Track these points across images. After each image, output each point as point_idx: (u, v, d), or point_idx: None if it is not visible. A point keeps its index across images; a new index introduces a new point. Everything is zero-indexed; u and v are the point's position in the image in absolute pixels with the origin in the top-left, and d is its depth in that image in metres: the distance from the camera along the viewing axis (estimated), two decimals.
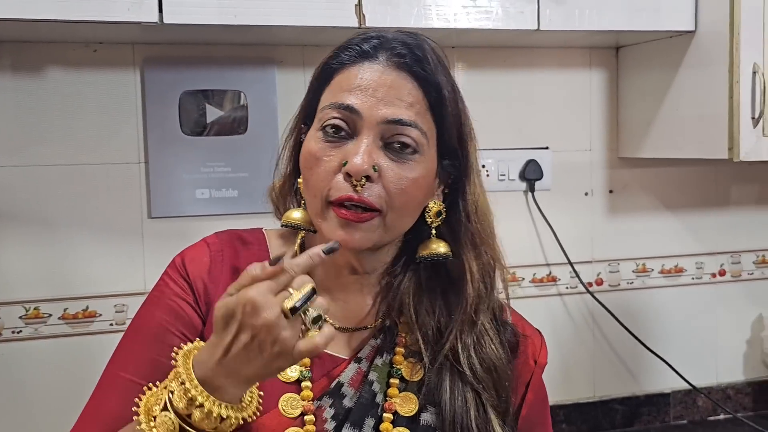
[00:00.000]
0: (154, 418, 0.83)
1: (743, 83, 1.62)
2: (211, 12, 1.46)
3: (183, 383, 0.81)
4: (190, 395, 0.80)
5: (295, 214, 1.02)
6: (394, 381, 1.00)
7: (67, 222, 1.72)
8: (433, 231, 1.02)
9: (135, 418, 0.85)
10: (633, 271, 2.06)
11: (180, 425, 0.81)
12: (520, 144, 1.96)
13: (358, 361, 1.02)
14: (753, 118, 1.62)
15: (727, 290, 2.13)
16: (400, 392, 1.00)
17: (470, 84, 1.92)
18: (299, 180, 1.02)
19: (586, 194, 2.02)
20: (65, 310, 1.66)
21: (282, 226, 1.06)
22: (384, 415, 0.98)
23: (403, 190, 0.94)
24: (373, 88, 0.94)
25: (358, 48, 0.97)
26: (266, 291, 0.78)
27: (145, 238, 1.74)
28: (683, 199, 2.09)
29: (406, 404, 1.00)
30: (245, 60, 1.73)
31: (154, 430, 0.82)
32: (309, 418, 0.95)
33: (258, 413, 0.87)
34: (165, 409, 0.82)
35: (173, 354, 0.86)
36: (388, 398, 0.99)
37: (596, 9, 1.65)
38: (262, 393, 0.91)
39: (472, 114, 1.91)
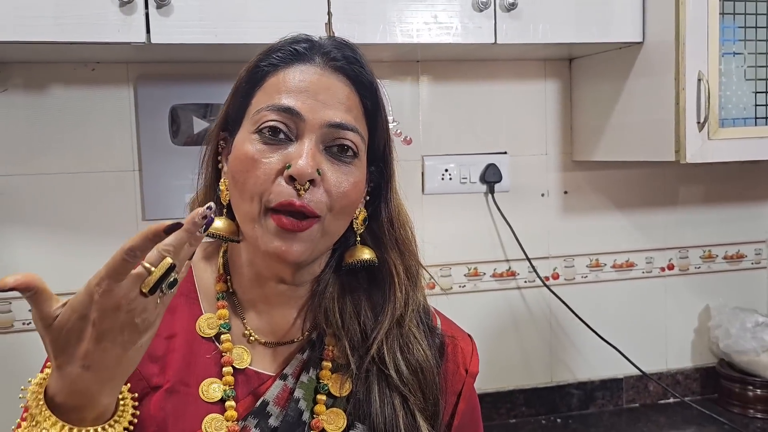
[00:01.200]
0: None
1: (689, 90, 1.65)
2: (194, 32, 1.49)
3: (32, 415, 0.77)
4: (36, 420, 0.76)
5: (217, 224, 0.95)
6: (321, 397, 0.96)
7: (70, 224, 1.79)
8: (358, 237, 1.01)
9: None
10: (587, 266, 2.14)
11: None
12: (481, 149, 2.03)
13: (284, 377, 0.97)
14: (698, 122, 1.65)
15: (675, 283, 2.20)
16: (327, 408, 0.96)
17: (433, 95, 2.01)
18: (221, 187, 0.98)
19: (543, 195, 2.09)
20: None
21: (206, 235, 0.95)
22: None
23: (344, 194, 0.92)
24: (314, 91, 0.91)
25: (290, 50, 0.94)
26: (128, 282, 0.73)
27: None
28: (633, 199, 2.15)
29: (334, 421, 0.95)
30: (227, 75, 1.59)
31: None
32: None
33: (133, 423, 0.83)
34: None
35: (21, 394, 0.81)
36: (315, 416, 0.95)
37: (549, 23, 1.68)
38: (135, 396, 0.85)
39: (437, 123, 2.01)
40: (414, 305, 1.01)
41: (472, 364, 1.07)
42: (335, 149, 0.92)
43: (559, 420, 2.09)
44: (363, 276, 1.02)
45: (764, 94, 1.77)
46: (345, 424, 0.95)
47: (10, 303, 1.78)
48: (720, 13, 1.68)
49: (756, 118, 1.76)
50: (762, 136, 1.75)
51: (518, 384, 2.09)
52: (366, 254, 0.99)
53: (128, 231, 1.78)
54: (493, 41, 1.67)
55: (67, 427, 0.75)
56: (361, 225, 1.00)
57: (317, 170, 0.89)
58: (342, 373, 0.97)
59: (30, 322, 1.75)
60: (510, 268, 2.09)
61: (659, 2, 1.72)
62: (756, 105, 1.76)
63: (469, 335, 1.10)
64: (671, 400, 2.19)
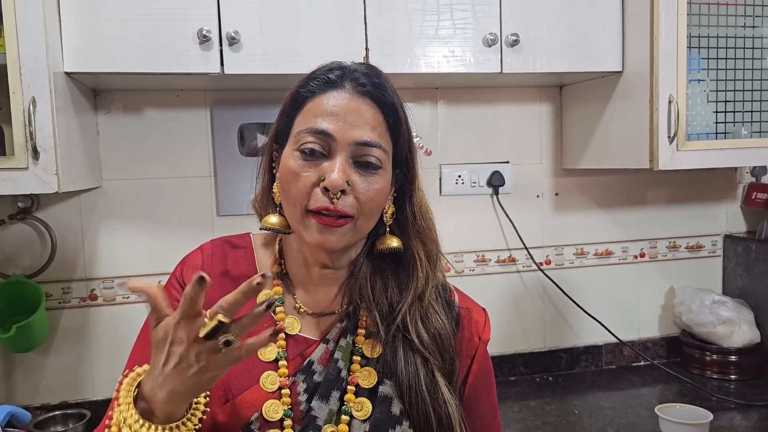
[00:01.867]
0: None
1: (661, 110, 1.62)
2: (257, 65, 1.48)
3: (119, 404, 0.78)
4: (121, 416, 0.77)
5: (272, 219, 0.95)
6: (357, 358, 0.94)
7: (159, 218, 1.78)
8: (387, 228, 0.98)
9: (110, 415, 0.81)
10: (573, 254, 2.10)
11: None
12: (487, 159, 1.99)
13: (326, 342, 0.95)
14: (669, 136, 1.62)
15: (645, 268, 2.16)
16: (361, 368, 0.94)
17: (449, 115, 1.96)
18: (274, 190, 0.96)
19: (538, 196, 2.05)
20: (159, 282, 1.64)
21: (260, 229, 0.99)
22: (348, 387, 0.92)
23: (370, 199, 0.90)
24: (344, 114, 0.89)
25: (324, 78, 0.92)
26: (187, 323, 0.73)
27: (215, 230, 1.79)
28: (612, 200, 2.11)
29: (367, 378, 0.93)
30: (282, 100, 1.69)
31: None
32: (285, 392, 0.90)
33: (201, 423, 0.81)
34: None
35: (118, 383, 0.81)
36: (351, 373, 0.93)
37: (545, 56, 1.65)
38: (207, 401, 0.84)
39: (452, 138, 1.97)
40: (433, 283, 0.98)
41: (485, 332, 1.03)
42: (363, 163, 0.90)
43: (550, 378, 2.05)
44: (391, 260, 0.99)
45: (723, 114, 1.73)
46: (376, 380, 0.93)
47: (113, 281, 1.76)
48: (687, 47, 1.65)
49: (717, 133, 1.73)
50: (722, 148, 1.71)
51: (517, 349, 2.06)
52: (394, 242, 0.97)
53: (206, 224, 1.80)
54: (499, 71, 1.64)
55: (141, 421, 0.76)
56: (390, 218, 0.98)
57: (347, 182, 0.88)
58: (373, 339, 0.95)
59: (128, 296, 1.76)
60: (511, 255, 2.05)
61: (636, 38, 1.67)
62: (717, 122, 1.73)
63: (483, 308, 1.07)
64: (642, 363, 2.14)
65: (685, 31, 1.62)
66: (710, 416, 1.57)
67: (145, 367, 0.80)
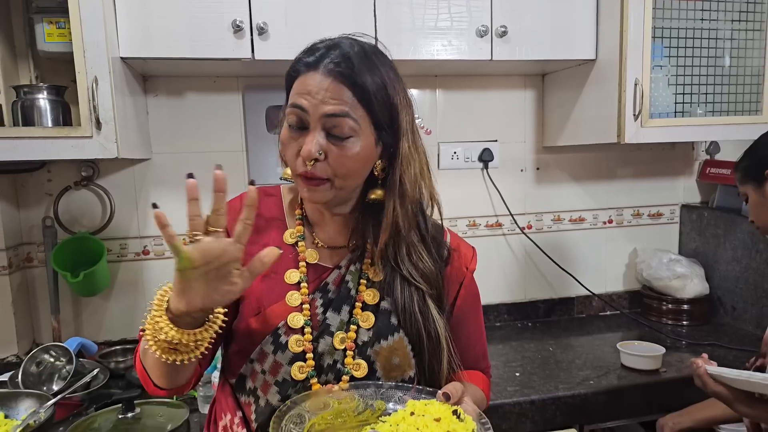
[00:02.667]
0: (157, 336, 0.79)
1: (628, 93, 1.61)
2: (283, 51, 1.47)
3: (158, 322, 0.78)
4: (161, 326, 0.78)
5: (289, 171, 0.94)
6: (363, 281, 0.96)
7: (200, 186, 1.78)
8: (379, 181, 0.95)
9: (143, 336, 0.81)
10: (551, 220, 2.07)
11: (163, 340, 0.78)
12: (479, 138, 1.97)
13: (339, 268, 0.97)
14: (634, 114, 1.61)
15: (613, 233, 2.14)
16: (366, 288, 0.96)
17: (446, 100, 1.93)
18: None
19: (522, 170, 2.03)
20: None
21: (280, 179, 0.99)
22: (356, 303, 0.95)
23: (343, 164, 0.88)
24: (315, 92, 0.86)
25: (304, 61, 0.89)
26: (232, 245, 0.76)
27: None
28: (585, 174, 2.09)
29: (371, 296, 0.95)
30: None
31: (159, 343, 0.79)
32: (306, 306, 0.93)
33: (216, 332, 0.82)
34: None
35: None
36: (359, 292, 0.96)
37: (529, 46, 1.63)
38: (226, 311, 0.84)
39: (449, 119, 1.92)
40: (411, 224, 0.95)
41: (472, 263, 1.04)
42: (335, 132, 0.87)
43: (529, 324, 2.05)
44: (377, 208, 0.96)
45: (682, 95, 1.71)
46: (378, 297, 0.96)
47: (162, 239, 1.73)
48: (652, 38, 1.62)
49: (675, 112, 1.71)
50: (680, 125, 1.70)
51: (502, 300, 2.06)
52: (374, 193, 0.94)
53: (238, 191, 1.66)
54: (490, 58, 1.62)
55: (171, 325, 0.77)
56: (381, 171, 0.94)
57: (319, 152, 0.86)
58: (376, 267, 0.97)
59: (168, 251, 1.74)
60: (498, 220, 2.03)
61: (608, 30, 1.66)
62: (676, 103, 1.71)
63: (472, 246, 1.06)
64: (608, 312, 2.14)
65: (651, 24, 1.60)
66: (663, 350, 1.59)
67: (170, 284, 0.81)
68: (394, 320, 0.95)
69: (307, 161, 0.86)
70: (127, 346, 1.70)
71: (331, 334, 0.92)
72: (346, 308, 0.94)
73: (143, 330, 0.81)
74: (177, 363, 0.80)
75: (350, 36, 0.93)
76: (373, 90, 0.88)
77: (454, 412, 0.80)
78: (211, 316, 0.81)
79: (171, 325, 0.77)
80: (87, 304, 1.73)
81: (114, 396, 1.36)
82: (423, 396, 0.86)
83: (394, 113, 0.92)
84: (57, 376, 1.50)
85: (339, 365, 0.91)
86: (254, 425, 0.92)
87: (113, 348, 1.69)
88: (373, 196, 0.95)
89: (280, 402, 0.90)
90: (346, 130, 0.87)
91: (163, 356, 0.79)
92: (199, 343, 0.80)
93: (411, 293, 0.95)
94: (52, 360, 1.51)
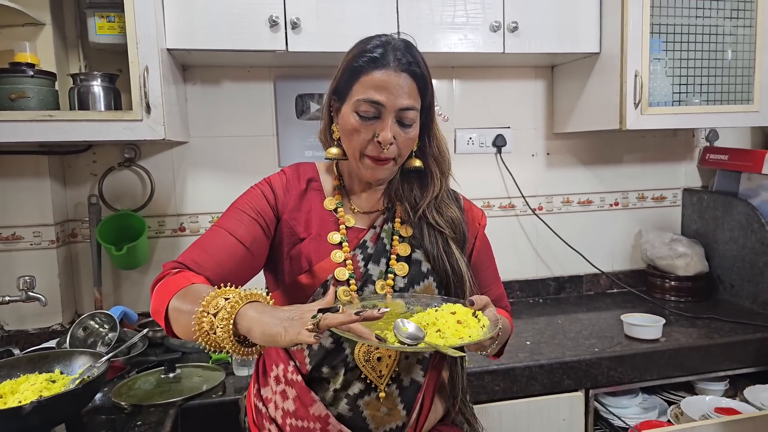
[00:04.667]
0: (205, 323, 0.85)
1: (629, 83, 1.74)
2: (313, 44, 1.62)
3: (227, 317, 0.84)
4: (222, 338, 0.84)
5: (333, 151, 1.11)
6: (396, 237, 1.13)
7: (234, 168, 1.92)
8: (413, 153, 1.13)
9: (200, 304, 0.87)
10: (561, 202, 2.20)
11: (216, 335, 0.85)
12: (493, 124, 2.11)
13: (374, 228, 1.13)
14: (635, 103, 1.75)
15: (619, 215, 2.26)
16: (399, 243, 1.12)
17: (463, 89, 2.07)
18: (333, 128, 1.11)
19: (533, 155, 2.17)
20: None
21: (326, 158, 1.14)
22: (391, 256, 1.11)
23: (407, 146, 1.08)
24: (391, 88, 1.02)
25: (371, 56, 1.03)
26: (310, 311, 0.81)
27: None
28: (593, 159, 2.21)
29: (404, 249, 1.12)
30: (329, 76, 1.67)
31: (198, 325, 0.85)
32: (349, 262, 1.08)
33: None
34: (213, 316, 0.85)
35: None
36: (393, 246, 1.11)
37: (539, 40, 1.78)
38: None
39: (465, 107, 2.10)
40: (445, 188, 1.16)
41: (483, 220, 1.24)
42: (403, 121, 1.05)
43: (540, 300, 2.19)
44: (415, 174, 1.16)
45: (678, 86, 1.85)
46: (410, 250, 1.13)
47: (197, 217, 1.91)
48: (650, 32, 1.77)
49: (672, 101, 1.85)
50: (677, 113, 1.84)
51: (514, 277, 2.19)
52: (417, 162, 1.13)
53: (269, 173, 1.75)
54: (502, 51, 1.78)
55: (232, 338, 0.84)
56: (415, 147, 1.13)
57: (393, 137, 1.04)
58: (406, 225, 1.14)
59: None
60: (510, 202, 2.16)
61: (611, 25, 1.80)
62: (673, 93, 1.85)
63: (480, 208, 1.25)
64: (615, 290, 2.26)
65: (649, 20, 1.76)
66: (662, 320, 1.74)
67: (251, 291, 0.89)
68: (424, 267, 1.11)
69: (384, 146, 1.03)
70: None
71: (373, 283, 1.09)
72: (383, 260, 1.11)
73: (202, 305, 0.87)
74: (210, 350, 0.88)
75: (387, 34, 1.09)
76: (428, 81, 1.08)
77: (474, 315, 0.96)
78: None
79: (232, 339, 0.84)
80: (126, 277, 1.89)
81: (152, 362, 1.50)
82: (452, 302, 1.02)
83: (431, 98, 1.11)
84: (101, 342, 1.64)
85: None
86: (308, 367, 1.06)
87: (150, 319, 1.83)
88: (412, 164, 1.13)
89: (332, 344, 1.05)
90: (411, 118, 1.05)
91: (204, 345, 0.86)
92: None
93: (436, 238, 1.12)
94: (96, 326, 1.67)
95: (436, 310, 0.97)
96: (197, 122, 1.90)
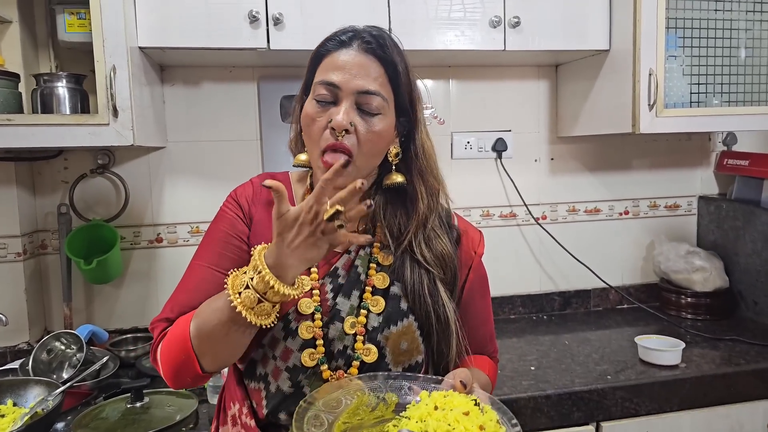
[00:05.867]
0: (239, 294, 0.83)
1: (642, 82, 1.65)
2: (297, 42, 1.54)
3: (260, 272, 0.81)
4: (266, 280, 0.81)
5: (302, 157, 1.00)
6: (373, 265, 1.00)
7: (214, 175, 1.84)
8: (393, 167, 1.01)
9: (225, 293, 0.84)
10: (566, 211, 2.12)
11: (258, 298, 0.82)
12: (493, 128, 2.03)
13: (349, 252, 1.01)
14: (649, 104, 1.66)
15: (629, 224, 2.19)
16: (376, 272, 0.99)
17: (460, 90, 2.00)
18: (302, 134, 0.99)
19: (536, 161, 2.09)
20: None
21: (294, 166, 1.03)
22: (365, 288, 0.98)
23: (369, 139, 0.93)
24: (349, 68, 0.92)
25: (338, 39, 0.95)
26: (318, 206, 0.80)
27: None
28: (600, 164, 2.14)
29: (381, 280, 0.99)
30: None
31: (239, 303, 0.82)
32: (315, 292, 0.96)
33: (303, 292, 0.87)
34: (246, 288, 0.82)
35: (251, 251, 0.86)
36: (368, 277, 0.99)
37: (542, 36, 1.70)
38: (313, 283, 0.94)
39: (462, 109, 2.02)
40: (435, 211, 1.02)
41: (479, 247, 1.09)
42: (365, 108, 0.93)
43: (545, 317, 2.10)
44: (399, 192, 1.02)
45: (696, 85, 1.76)
46: (388, 282, 0.99)
47: (176, 227, 1.84)
48: (666, 27, 1.68)
49: (691, 102, 1.76)
50: (694, 115, 1.75)
51: (516, 291, 2.11)
52: (398, 178, 1.00)
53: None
54: (503, 49, 1.69)
55: (275, 279, 0.81)
56: (395, 158, 1.00)
57: (350, 123, 0.91)
58: (386, 252, 1.01)
59: (188, 240, 1.84)
60: (512, 211, 2.09)
61: (621, 20, 1.71)
62: (691, 93, 1.76)
63: (479, 230, 1.12)
64: (626, 305, 2.18)
65: (664, 15, 1.67)
66: (682, 344, 1.62)
67: (260, 248, 0.86)
68: (403, 305, 0.98)
69: (339, 131, 0.91)
70: (138, 335, 1.79)
71: (342, 320, 0.96)
72: (356, 293, 0.98)
73: (231, 298, 0.84)
74: (251, 326, 0.85)
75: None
76: (401, 70, 0.96)
77: (474, 402, 0.83)
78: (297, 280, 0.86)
79: (276, 279, 0.81)
80: (99, 291, 1.82)
81: (123, 385, 1.42)
82: (432, 386, 0.90)
83: (413, 100, 1.00)
84: (67, 364, 1.57)
85: (349, 351, 0.95)
86: (264, 411, 0.96)
87: (124, 336, 1.78)
88: (392, 180, 1.00)
89: (291, 388, 0.94)
90: (375, 107, 0.93)
91: (245, 314, 0.82)
92: (273, 309, 0.85)
93: (421, 276, 0.98)
94: (63, 348, 1.58)
95: (436, 408, 0.82)
96: (176, 126, 1.83)
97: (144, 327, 1.83)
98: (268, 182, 0.79)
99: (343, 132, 0.91)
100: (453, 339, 0.99)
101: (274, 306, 0.85)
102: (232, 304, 0.83)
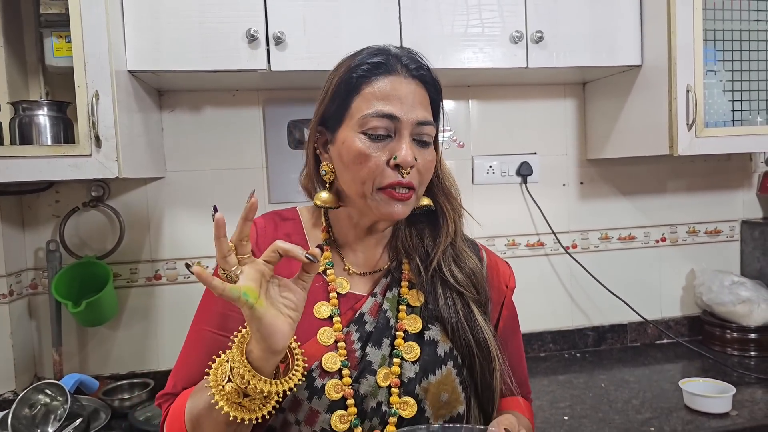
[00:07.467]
0: (223, 387, 0.76)
1: (680, 99, 1.56)
2: (302, 62, 1.46)
3: (233, 363, 0.75)
4: (240, 373, 0.74)
5: (323, 196, 0.93)
6: (402, 307, 0.93)
7: (217, 206, 1.78)
8: None
9: (207, 386, 0.78)
10: (598, 239, 2.04)
11: (243, 393, 0.76)
12: (516, 151, 1.95)
13: (374, 295, 0.94)
14: (687, 124, 1.57)
15: (667, 252, 2.09)
16: (407, 315, 0.93)
17: (480, 111, 1.92)
18: (325, 169, 0.92)
19: (564, 185, 2.01)
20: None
21: (315, 205, 0.95)
22: (397, 333, 0.91)
23: (428, 170, 0.90)
24: (403, 96, 0.86)
25: (373, 63, 0.88)
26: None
27: None
28: (634, 188, 2.05)
29: (413, 324, 0.92)
30: None
31: (223, 400, 0.76)
32: (341, 344, 0.88)
33: (300, 383, 0.81)
34: (229, 380, 0.76)
35: (231, 337, 0.80)
36: (399, 321, 0.92)
37: (568, 52, 1.62)
38: (306, 363, 0.84)
39: (483, 132, 1.93)
40: (461, 230, 0.99)
41: (511, 280, 1.04)
42: (421, 139, 0.89)
43: (578, 354, 1.98)
44: (424, 216, 0.98)
45: (739, 102, 1.65)
46: (421, 325, 0.93)
47: (176, 263, 1.75)
48: (703, 40, 1.58)
49: (733, 120, 1.66)
50: (737, 135, 1.64)
51: (546, 327, 2.01)
52: (425, 200, 0.96)
53: (258, 211, 1.65)
54: (525, 66, 1.60)
55: (252, 372, 0.75)
56: None
57: (415, 158, 0.86)
58: (416, 289, 0.95)
59: (189, 276, 1.74)
60: (539, 239, 2.00)
61: (654, 33, 1.62)
62: (733, 110, 1.66)
63: (507, 262, 1.07)
64: (665, 341, 2.07)
65: (701, 26, 1.57)
66: (733, 390, 1.49)
67: (244, 332, 0.79)
68: (440, 350, 0.91)
69: (404, 169, 0.85)
70: (135, 381, 1.69)
71: (374, 372, 0.88)
72: (386, 340, 0.90)
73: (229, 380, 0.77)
74: (244, 422, 0.77)
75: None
76: (440, 92, 0.94)
77: None
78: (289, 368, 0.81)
79: (258, 375, 0.75)
80: (93, 334, 1.73)
81: None
82: None
83: (439, 117, 0.96)
84: (54, 416, 1.45)
85: (384, 407, 0.87)
86: None
87: (120, 383, 1.68)
88: (423, 203, 0.95)
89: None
90: (428, 135, 0.90)
91: (231, 414, 0.75)
92: (267, 400, 0.78)
93: (454, 301, 0.93)
94: (47, 400, 1.47)
95: None
96: (175, 155, 1.75)
97: (142, 372, 1.73)
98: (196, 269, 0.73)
99: (409, 168, 0.86)
100: (496, 365, 0.93)
101: (266, 398, 0.77)
102: (218, 406, 0.76)
